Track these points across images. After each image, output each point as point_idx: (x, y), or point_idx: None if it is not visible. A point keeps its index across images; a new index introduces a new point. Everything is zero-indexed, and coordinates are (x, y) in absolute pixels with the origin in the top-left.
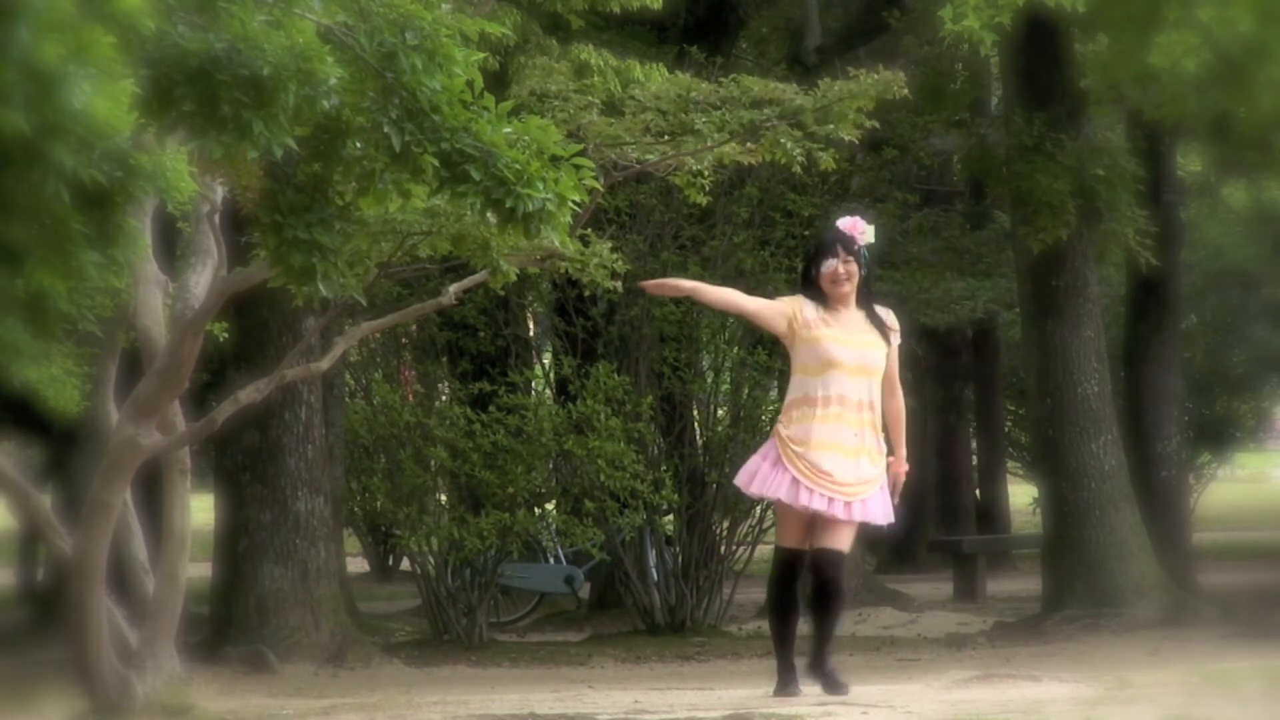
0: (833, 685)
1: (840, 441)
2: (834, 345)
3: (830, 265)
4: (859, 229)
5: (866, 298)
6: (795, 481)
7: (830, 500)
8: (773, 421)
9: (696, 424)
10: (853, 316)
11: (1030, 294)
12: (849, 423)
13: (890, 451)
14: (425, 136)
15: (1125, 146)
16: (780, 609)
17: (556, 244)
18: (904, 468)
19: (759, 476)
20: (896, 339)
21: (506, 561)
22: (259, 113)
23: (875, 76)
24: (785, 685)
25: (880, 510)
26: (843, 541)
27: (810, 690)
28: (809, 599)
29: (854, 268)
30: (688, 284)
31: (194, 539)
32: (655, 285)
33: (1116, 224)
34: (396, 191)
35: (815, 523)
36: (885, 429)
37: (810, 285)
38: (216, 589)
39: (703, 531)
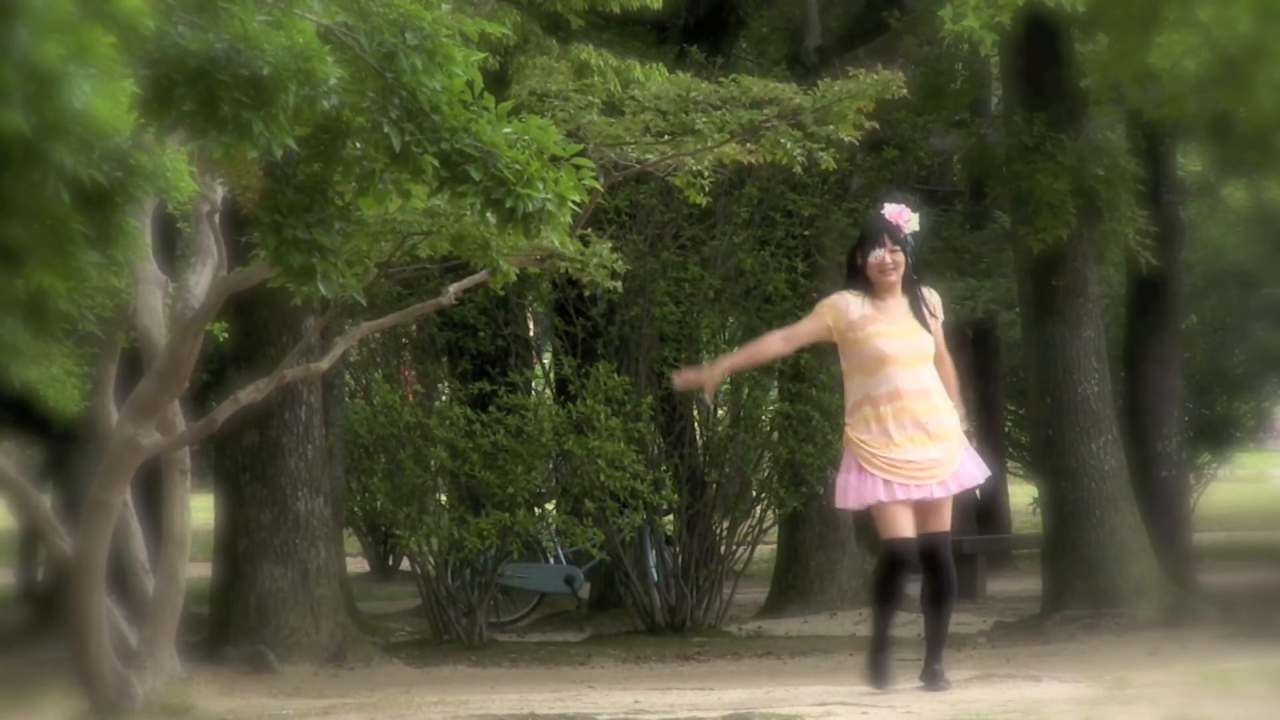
0: (939, 683)
1: (910, 435)
2: (884, 341)
3: (878, 255)
4: (904, 217)
5: (912, 285)
6: (888, 482)
7: (921, 487)
8: (773, 421)
9: (696, 424)
10: (899, 304)
11: (1030, 294)
12: (914, 412)
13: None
14: (425, 136)
15: (1125, 146)
16: (891, 602)
17: (556, 244)
18: (964, 425)
19: (853, 490)
20: (941, 316)
21: (506, 561)
22: (259, 113)
23: (874, 76)
24: (883, 677)
25: (974, 472)
26: (945, 521)
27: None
28: (923, 594)
29: (900, 257)
30: (719, 368)
31: (194, 539)
32: (683, 382)
33: (1116, 224)
34: (396, 191)
35: (919, 512)
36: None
37: (856, 274)
38: (216, 589)
39: (703, 531)
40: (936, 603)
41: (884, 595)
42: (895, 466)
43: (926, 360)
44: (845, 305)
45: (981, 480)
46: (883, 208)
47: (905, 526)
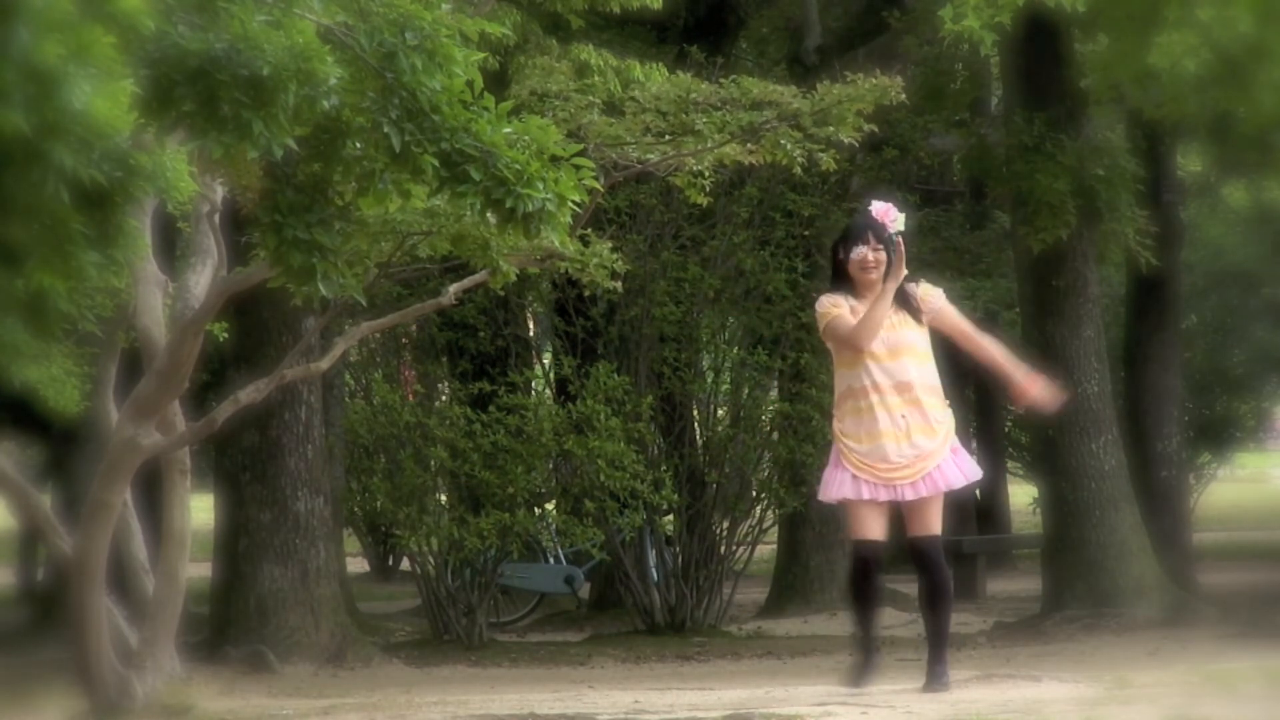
0: (937, 684)
1: (886, 429)
2: None
3: (860, 252)
4: (890, 215)
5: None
6: (855, 478)
7: (893, 487)
8: (773, 421)
9: (696, 424)
10: None
11: (1030, 294)
12: (890, 406)
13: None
14: (425, 136)
15: (1125, 146)
16: (862, 602)
17: (556, 244)
18: (1034, 383)
19: (825, 483)
20: (937, 302)
21: (506, 561)
22: (259, 113)
23: (873, 81)
24: (865, 678)
25: (957, 473)
26: (931, 524)
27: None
28: (919, 595)
29: (883, 255)
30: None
31: (194, 539)
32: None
33: (1116, 224)
34: (396, 191)
35: (902, 514)
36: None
37: (839, 271)
38: (216, 589)
39: (703, 531)
40: (932, 605)
41: (856, 596)
42: (867, 465)
43: (910, 354)
44: (839, 304)
45: (963, 484)
46: (869, 204)
47: (871, 528)
